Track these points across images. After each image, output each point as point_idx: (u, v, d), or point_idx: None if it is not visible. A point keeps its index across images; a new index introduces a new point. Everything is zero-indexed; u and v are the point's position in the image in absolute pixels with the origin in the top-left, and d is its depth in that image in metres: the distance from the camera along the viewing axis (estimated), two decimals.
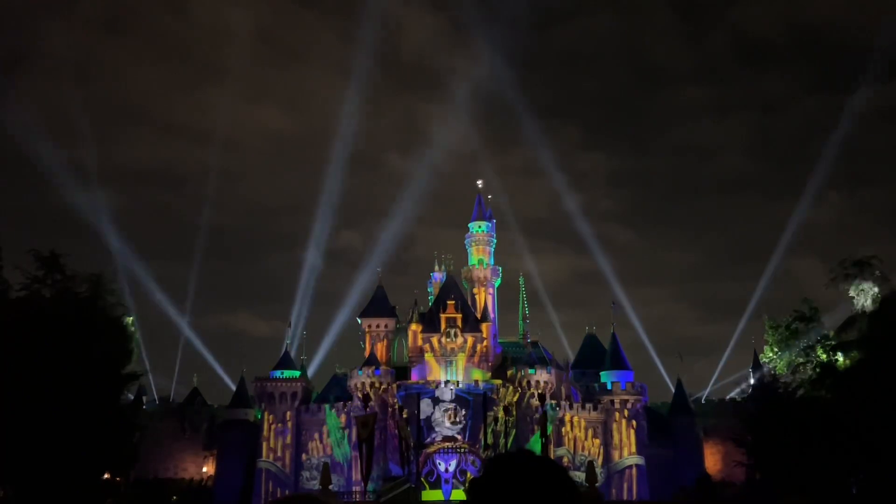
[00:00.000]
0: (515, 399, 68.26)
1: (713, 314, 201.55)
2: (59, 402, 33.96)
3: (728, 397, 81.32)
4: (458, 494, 60.64)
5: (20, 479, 35.48)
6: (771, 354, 44.32)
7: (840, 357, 39.90)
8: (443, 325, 71.61)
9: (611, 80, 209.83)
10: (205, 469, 77.76)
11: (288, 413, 72.84)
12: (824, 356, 41.23)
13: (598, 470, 66.87)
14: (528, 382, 68.98)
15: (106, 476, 47.31)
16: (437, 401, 66.55)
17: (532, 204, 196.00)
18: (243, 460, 73.49)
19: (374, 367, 70.75)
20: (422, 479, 64.12)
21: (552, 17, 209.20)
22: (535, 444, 65.23)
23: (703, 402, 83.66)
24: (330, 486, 50.03)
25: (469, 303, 76.95)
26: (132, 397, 63.55)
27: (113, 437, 39.22)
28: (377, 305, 79.87)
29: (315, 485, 64.17)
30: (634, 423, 72.22)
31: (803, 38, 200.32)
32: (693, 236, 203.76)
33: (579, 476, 65.77)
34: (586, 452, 70.00)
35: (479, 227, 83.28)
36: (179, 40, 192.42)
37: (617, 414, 71.90)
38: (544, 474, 2.32)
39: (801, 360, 42.76)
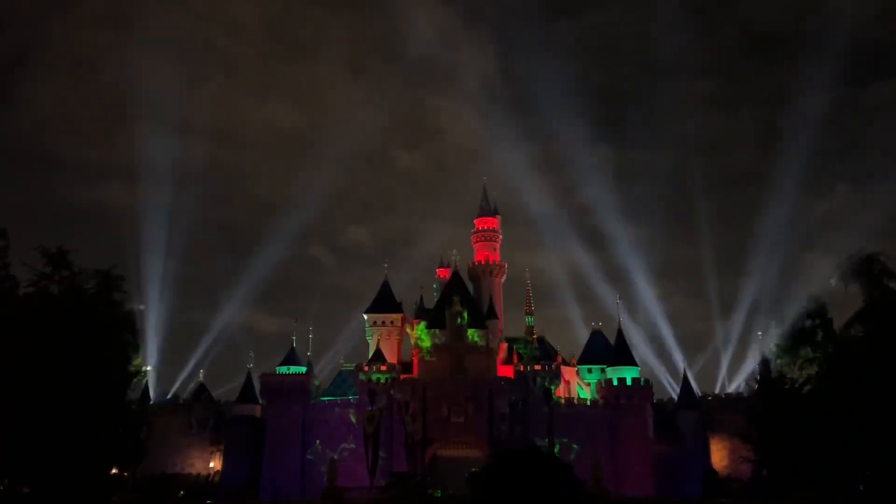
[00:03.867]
0: (522, 394, 68.28)
1: (721, 310, 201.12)
2: (66, 397, 34.12)
3: (735, 393, 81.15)
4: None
5: (28, 473, 35.67)
6: (777, 350, 44.12)
7: (846, 353, 39.73)
8: (449, 321, 71.63)
9: (619, 73, 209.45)
10: (211, 464, 78.03)
11: (294, 408, 72.94)
12: (831, 352, 41.06)
13: (604, 465, 66.93)
14: (535, 378, 69.01)
15: (113, 471, 47.53)
16: (443, 396, 66.57)
17: (539, 199, 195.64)
18: (250, 456, 73.68)
19: (380, 363, 70.85)
20: (428, 473, 64.19)
21: (561, 11, 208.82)
22: (540, 438, 65.32)
23: (709, 397, 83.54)
24: (336, 482, 50.17)
25: (475, 298, 76.97)
26: (139, 393, 63.80)
27: (120, 433, 39.41)
28: (383, 301, 79.97)
29: (321, 480, 64.27)
30: (640, 418, 72.12)
31: (813, 31, 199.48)
32: (701, 231, 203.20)
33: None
34: (592, 447, 69.92)
35: (485, 222, 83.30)
36: (187, 35, 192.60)
37: (623, 409, 71.80)
38: (549, 472, 2.33)
39: (807, 356, 42.59)
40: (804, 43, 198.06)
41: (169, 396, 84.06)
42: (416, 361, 73.37)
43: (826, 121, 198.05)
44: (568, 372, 75.75)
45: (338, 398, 74.15)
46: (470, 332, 71.52)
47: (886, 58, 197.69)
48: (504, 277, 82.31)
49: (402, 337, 78.87)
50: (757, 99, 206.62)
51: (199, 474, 76.62)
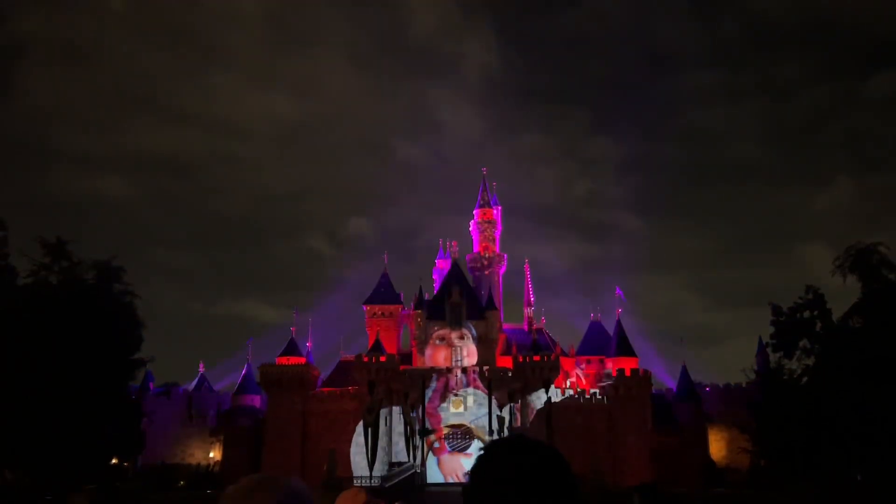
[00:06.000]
0: (520, 385, 68.39)
1: (720, 301, 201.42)
2: (66, 388, 34.17)
3: (733, 384, 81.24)
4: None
5: (28, 464, 35.76)
6: (775, 342, 44.17)
7: (845, 344, 39.80)
8: (448, 312, 71.70)
9: (620, 64, 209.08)
10: (211, 454, 78.25)
11: (294, 399, 73.04)
12: (829, 343, 41.12)
13: (603, 456, 67.11)
14: (533, 369, 69.07)
15: (114, 461, 47.69)
16: (441, 387, 66.75)
17: (539, 190, 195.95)
18: (250, 446, 73.88)
19: (379, 354, 70.93)
20: (426, 464, 64.43)
21: (561, 0, 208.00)
22: (539, 429, 65.52)
23: (707, 388, 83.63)
24: (335, 472, 50.36)
25: (474, 289, 77.00)
26: (139, 383, 63.91)
27: (120, 423, 39.52)
28: (382, 292, 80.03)
29: (320, 471, 64.48)
30: (639, 409, 72.20)
31: (816, 22, 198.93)
32: (702, 223, 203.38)
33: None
34: (590, 439, 70.09)
35: (485, 213, 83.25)
36: (186, 25, 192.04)
37: (621, 401, 71.83)
38: (541, 459, 2.33)
39: (805, 347, 42.66)
40: (806, 34, 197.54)
41: (169, 387, 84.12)
42: (415, 352, 73.47)
43: (827, 112, 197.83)
44: (567, 363, 75.83)
45: (338, 389, 74.27)
46: (469, 322, 71.60)
47: (888, 50, 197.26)
48: (503, 268, 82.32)
49: (402, 328, 78.93)
50: (758, 90, 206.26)
51: (199, 464, 76.82)
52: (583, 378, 77.44)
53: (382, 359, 70.26)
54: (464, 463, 63.60)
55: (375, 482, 56.08)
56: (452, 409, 66.47)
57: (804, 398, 40.76)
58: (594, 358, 78.10)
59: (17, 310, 34.71)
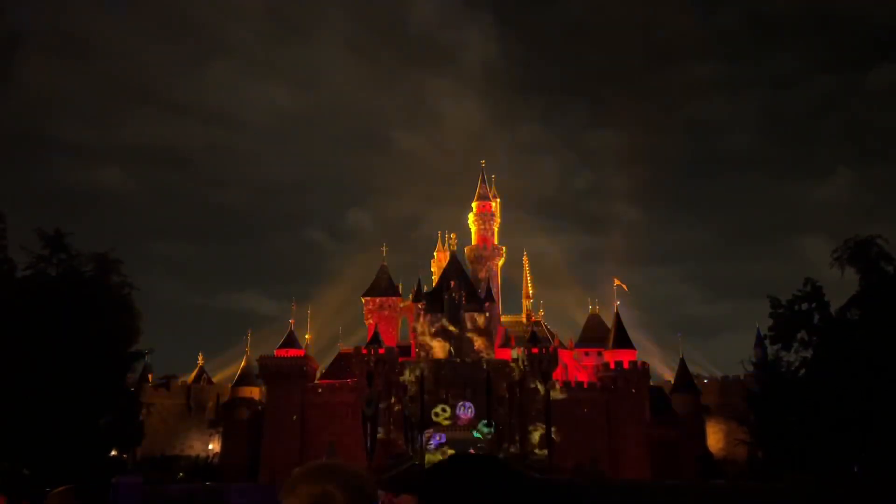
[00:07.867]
0: (518, 378, 68.47)
1: (718, 293, 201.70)
2: (64, 380, 34.19)
3: (731, 376, 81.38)
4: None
5: (27, 456, 35.81)
6: (774, 334, 44.19)
7: (842, 337, 39.84)
8: (446, 304, 71.71)
9: (620, 55, 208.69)
10: (210, 446, 78.40)
11: (293, 391, 73.15)
12: (827, 335, 41.16)
13: (601, 449, 67.31)
14: (532, 361, 69.11)
15: (113, 453, 47.77)
16: (440, 379, 66.79)
17: (539, 182, 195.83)
18: (249, 438, 74.04)
19: (378, 346, 70.97)
20: (426, 456, 64.47)
21: None
22: (537, 421, 65.68)
23: (705, 380, 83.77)
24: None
25: (472, 282, 76.97)
26: (138, 375, 63.92)
27: (119, 415, 39.57)
28: (381, 285, 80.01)
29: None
30: (637, 401, 72.36)
31: (816, 14, 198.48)
32: (701, 215, 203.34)
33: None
34: (589, 431, 70.27)
35: (484, 205, 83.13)
36: (185, 16, 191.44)
37: (620, 393, 71.99)
38: (479, 459, 2.37)
39: (803, 339, 42.70)
40: (806, 25, 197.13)
41: (168, 379, 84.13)
42: (413, 344, 73.53)
43: (827, 104, 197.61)
44: (565, 355, 75.92)
45: (337, 381, 74.37)
46: (467, 315, 71.59)
47: (889, 41, 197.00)
48: (502, 261, 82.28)
49: (400, 320, 78.95)
50: (758, 81, 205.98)
51: (198, 456, 77.00)
52: (581, 370, 77.55)
53: (381, 351, 70.32)
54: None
55: (375, 474, 56.17)
56: (451, 402, 66.49)
57: (802, 390, 40.85)
58: (593, 350, 78.11)
59: (16, 302, 34.70)
